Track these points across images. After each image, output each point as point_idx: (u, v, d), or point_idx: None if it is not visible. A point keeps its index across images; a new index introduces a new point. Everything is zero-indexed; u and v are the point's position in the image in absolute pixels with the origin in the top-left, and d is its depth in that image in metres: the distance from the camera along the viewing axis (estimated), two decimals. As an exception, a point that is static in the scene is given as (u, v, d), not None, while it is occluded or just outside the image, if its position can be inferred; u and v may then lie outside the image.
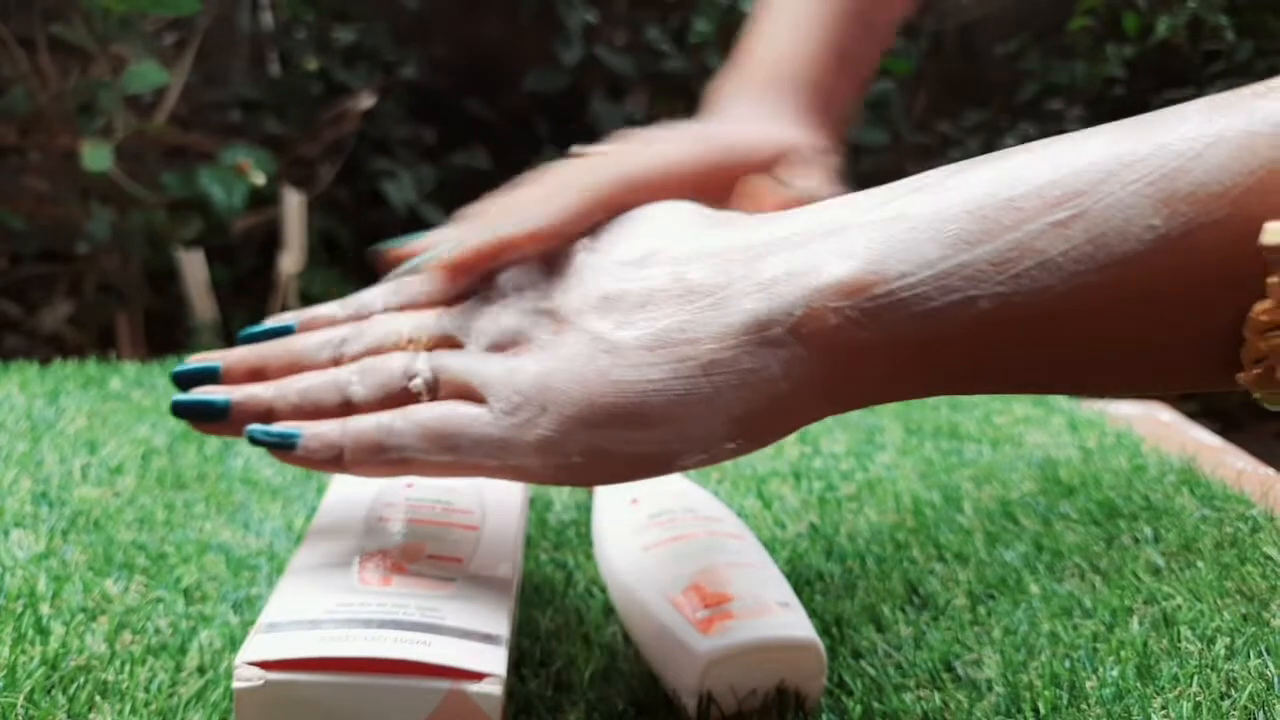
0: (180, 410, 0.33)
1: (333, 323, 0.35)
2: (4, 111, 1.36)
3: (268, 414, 0.33)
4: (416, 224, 1.51)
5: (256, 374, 0.34)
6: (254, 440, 0.32)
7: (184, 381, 0.34)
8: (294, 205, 1.41)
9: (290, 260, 1.42)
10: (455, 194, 1.56)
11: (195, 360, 0.35)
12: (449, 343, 0.32)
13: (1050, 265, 0.24)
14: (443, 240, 0.34)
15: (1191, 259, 0.23)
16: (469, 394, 0.31)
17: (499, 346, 0.31)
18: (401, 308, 0.35)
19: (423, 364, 0.32)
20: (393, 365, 0.32)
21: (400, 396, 0.32)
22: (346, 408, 0.32)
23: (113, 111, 1.27)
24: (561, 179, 0.34)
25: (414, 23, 1.66)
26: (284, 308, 1.43)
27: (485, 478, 0.31)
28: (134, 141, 1.34)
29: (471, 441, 0.30)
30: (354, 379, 0.32)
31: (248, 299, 1.50)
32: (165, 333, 1.43)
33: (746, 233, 0.29)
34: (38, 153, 1.44)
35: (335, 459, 0.31)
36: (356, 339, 0.34)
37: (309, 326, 0.35)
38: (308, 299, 1.44)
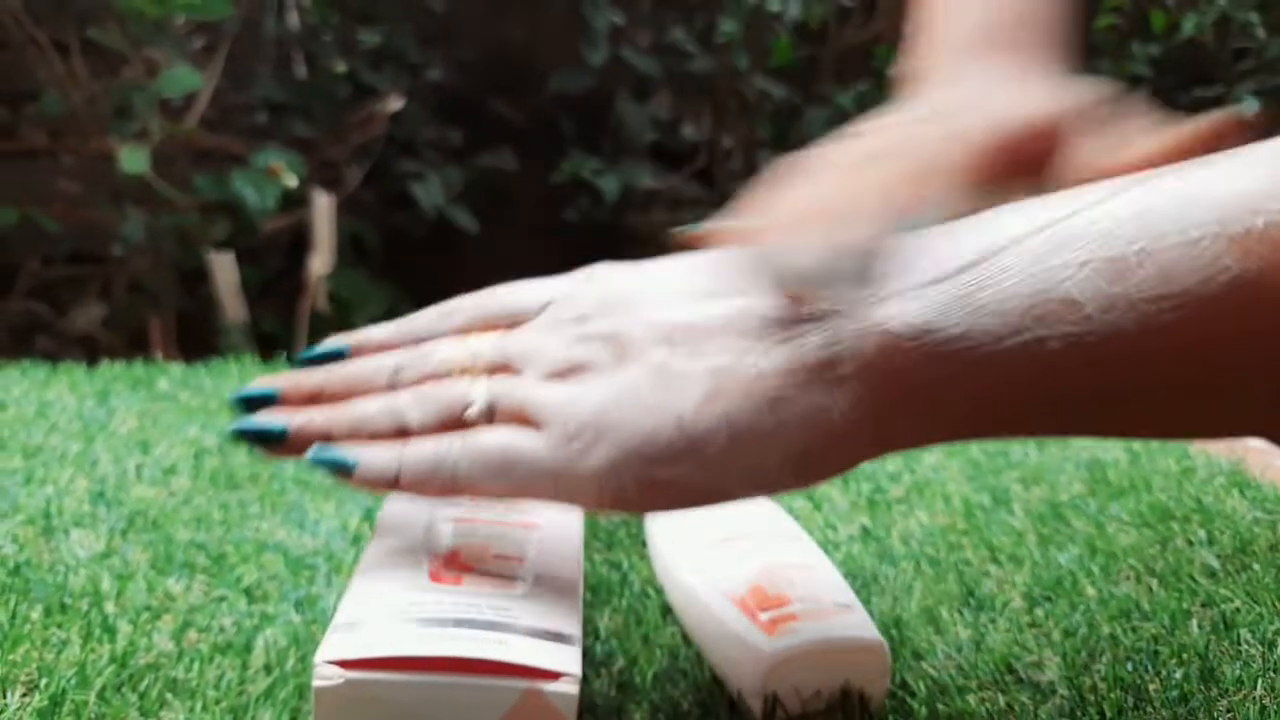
0: (241, 435, 0.34)
1: (385, 346, 0.35)
2: (38, 115, 1.37)
3: (325, 439, 0.33)
4: (445, 226, 1.52)
5: (313, 399, 0.34)
6: (313, 463, 0.32)
7: (243, 406, 0.35)
8: (323, 207, 1.42)
9: (319, 262, 1.42)
10: (483, 195, 1.57)
11: (255, 385, 0.35)
12: (506, 369, 0.32)
13: (1123, 306, 0.24)
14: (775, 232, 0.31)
15: (1266, 298, 0.23)
16: (526, 420, 0.30)
17: (558, 374, 0.30)
18: (457, 331, 0.34)
19: (479, 390, 0.32)
20: (450, 392, 0.32)
21: (457, 423, 0.31)
22: (403, 433, 0.32)
23: (147, 115, 1.28)
24: (875, 177, 0.32)
25: (440, 25, 1.66)
26: (313, 309, 1.44)
27: (539, 503, 0.31)
28: (165, 144, 1.35)
29: (526, 468, 0.30)
30: (411, 405, 0.32)
31: (277, 300, 1.51)
32: (196, 334, 1.44)
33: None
34: (70, 156, 1.45)
35: (391, 483, 0.31)
36: (413, 365, 0.33)
37: (363, 350, 0.35)
38: (336, 300, 1.45)
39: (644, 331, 0.29)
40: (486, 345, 0.33)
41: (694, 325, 0.29)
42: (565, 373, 0.30)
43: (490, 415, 0.31)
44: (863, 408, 0.27)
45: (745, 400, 0.27)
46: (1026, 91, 0.37)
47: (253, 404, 0.35)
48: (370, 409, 0.33)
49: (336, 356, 0.35)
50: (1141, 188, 0.25)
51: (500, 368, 0.32)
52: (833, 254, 0.27)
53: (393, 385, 0.34)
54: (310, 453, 0.32)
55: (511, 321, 0.33)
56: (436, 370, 0.33)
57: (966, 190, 0.32)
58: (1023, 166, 0.34)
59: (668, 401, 0.28)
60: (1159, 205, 0.24)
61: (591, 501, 0.29)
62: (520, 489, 0.30)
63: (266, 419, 0.34)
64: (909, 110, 0.36)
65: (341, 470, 0.32)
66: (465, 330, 0.34)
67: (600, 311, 0.31)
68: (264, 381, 0.35)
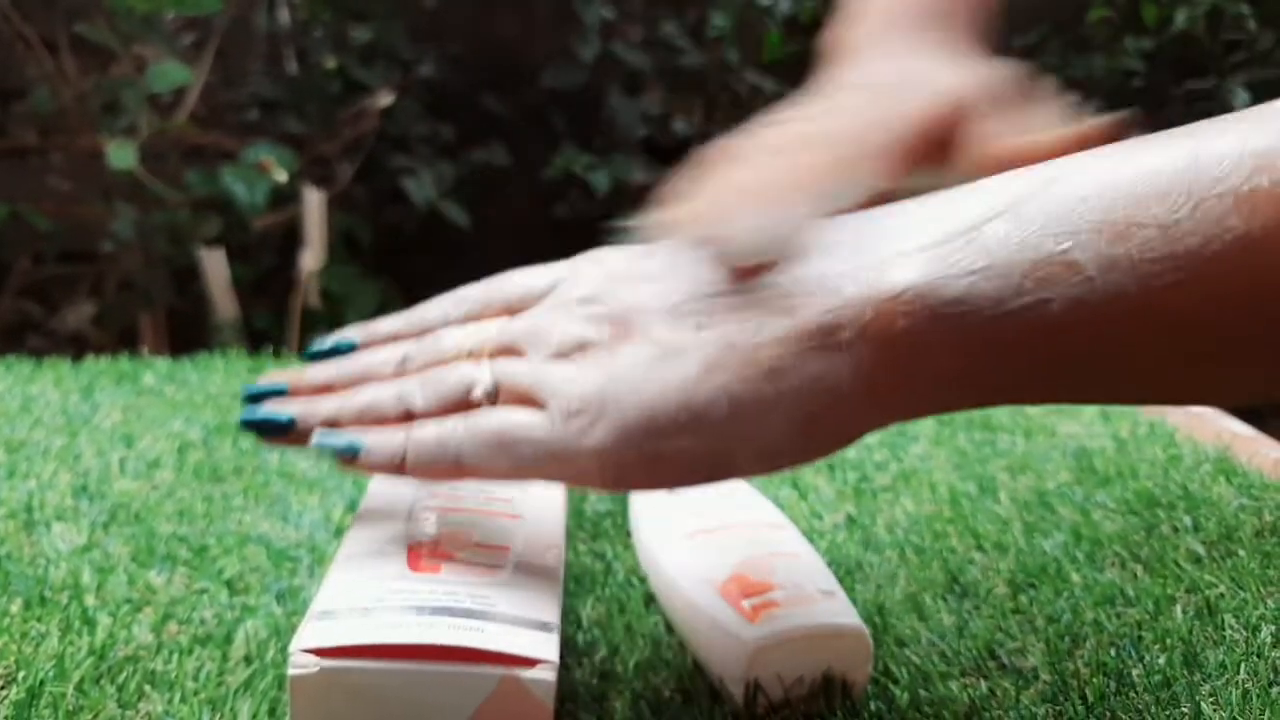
0: (248, 426, 0.34)
1: (395, 337, 0.36)
2: (28, 112, 1.37)
3: (332, 425, 0.33)
4: (436, 221, 1.52)
5: (323, 392, 0.35)
6: (320, 449, 0.33)
7: (254, 400, 0.35)
8: (314, 203, 1.41)
9: (311, 258, 1.42)
10: (474, 190, 1.56)
11: (264, 380, 0.35)
12: (511, 351, 0.32)
13: (1125, 267, 0.24)
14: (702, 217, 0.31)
15: (1272, 258, 0.23)
16: (530, 401, 0.30)
17: (561, 354, 0.30)
18: (464, 319, 0.35)
19: (484, 373, 0.32)
20: (454, 375, 0.32)
21: (461, 405, 0.32)
22: (408, 418, 0.32)
23: (136, 111, 1.28)
24: (802, 162, 0.32)
25: (431, 21, 1.66)
26: (305, 305, 1.43)
27: (544, 482, 0.31)
28: (155, 141, 1.35)
29: (530, 447, 0.30)
30: (416, 389, 0.33)
31: (268, 297, 1.50)
32: (187, 331, 1.44)
33: (815, 237, 0.29)
34: (60, 153, 1.45)
35: (397, 465, 0.32)
36: (419, 353, 0.34)
37: (371, 341, 0.36)
38: (328, 296, 1.45)
39: (645, 309, 0.30)
40: (491, 329, 0.33)
41: (694, 301, 0.29)
42: (568, 352, 0.30)
43: (495, 397, 0.31)
44: (864, 374, 0.27)
45: (744, 370, 0.27)
46: (948, 69, 0.37)
47: (263, 398, 0.35)
48: (376, 395, 0.33)
49: (344, 350, 0.36)
50: (1145, 148, 0.25)
51: (505, 350, 0.32)
52: (760, 232, 0.28)
53: (400, 375, 0.34)
54: (315, 438, 0.33)
55: (518, 306, 0.33)
56: (443, 356, 0.33)
57: (886, 173, 0.32)
58: (939, 145, 0.35)
59: (667, 375, 0.28)
60: (1163, 165, 0.24)
61: (595, 479, 0.29)
62: (524, 468, 0.30)
63: (274, 408, 0.34)
64: (835, 89, 0.36)
65: (348, 454, 0.32)
66: (472, 318, 0.34)
67: (603, 292, 0.31)
68: (273, 376, 0.36)
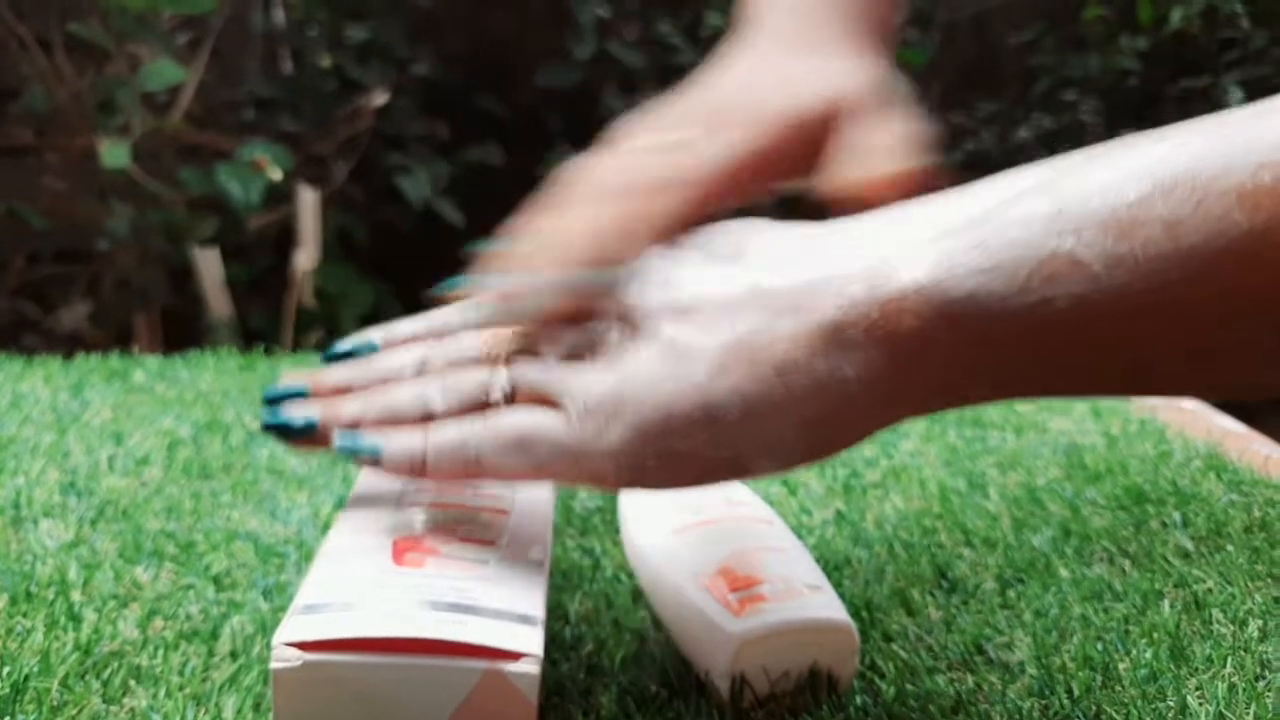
0: (269, 429, 0.34)
1: (413, 339, 0.36)
2: (23, 111, 1.37)
3: (352, 427, 0.33)
4: (432, 220, 1.52)
5: (342, 393, 0.35)
6: (341, 451, 0.33)
7: (274, 402, 0.35)
8: (308, 202, 1.41)
9: (305, 257, 1.42)
10: (469, 189, 1.56)
11: (285, 383, 0.36)
12: (527, 353, 0.32)
13: (1129, 264, 0.24)
14: (511, 287, 0.33)
15: (1277, 254, 0.23)
16: (546, 402, 0.31)
17: (576, 355, 0.31)
18: (481, 324, 0.35)
19: (501, 376, 0.32)
20: (472, 378, 0.33)
21: (480, 407, 0.32)
22: (428, 420, 0.33)
23: (130, 110, 1.28)
24: (630, 210, 0.32)
25: (426, 19, 1.66)
26: (299, 304, 1.43)
27: (560, 483, 0.31)
28: (150, 140, 1.35)
29: (547, 447, 0.30)
30: (435, 392, 0.33)
31: (263, 296, 1.50)
32: (182, 330, 1.44)
33: (823, 237, 0.29)
34: (55, 153, 1.45)
35: (417, 467, 0.32)
36: (438, 356, 0.34)
37: (390, 344, 0.36)
38: (323, 295, 1.45)
39: (657, 309, 0.30)
40: (507, 331, 0.33)
41: (705, 301, 0.29)
42: (583, 353, 0.31)
43: (512, 398, 0.32)
44: (872, 373, 0.27)
45: (755, 370, 0.28)
46: (835, 67, 0.37)
47: (282, 401, 0.35)
48: (396, 397, 0.33)
49: (365, 352, 0.36)
50: (1149, 144, 0.25)
51: (521, 352, 0.33)
52: (553, 291, 0.31)
53: (419, 376, 0.34)
54: (336, 440, 0.33)
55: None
56: (461, 358, 0.34)
57: (702, 206, 0.33)
58: (808, 149, 0.35)
59: (681, 375, 0.28)
60: (1166, 162, 0.24)
61: (610, 478, 0.30)
62: (541, 468, 0.30)
63: (295, 411, 0.34)
64: (695, 93, 0.36)
65: (369, 457, 0.32)
66: (489, 323, 0.34)
67: (614, 293, 0.31)
68: (293, 378, 0.36)
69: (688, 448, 0.28)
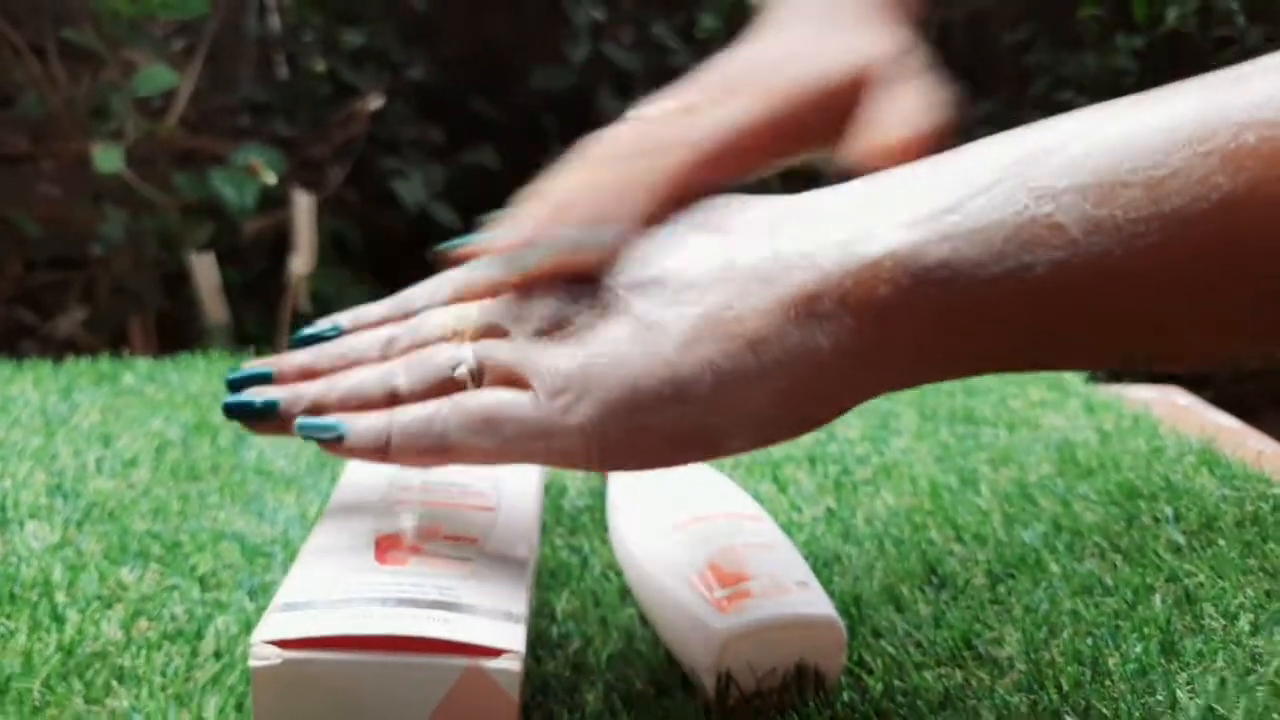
0: (231, 411, 0.34)
1: (381, 322, 0.35)
2: (17, 118, 1.37)
3: (316, 410, 0.33)
4: (427, 224, 1.52)
5: (308, 376, 0.34)
6: (303, 433, 0.32)
7: (237, 385, 0.35)
8: (303, 207, 1.41)
9: (301, 262, 1.42)
10: (465, 192, 1.56)
11: (249, 366, 0.35)
12: (494, 332, 0.32)
13: (1109, 228, 0.24)
14: (509, 241, 0.32)
15: (1258, 214, 0.22)
16: (514, 380, 0.30)
17: (544, 332, 0.30)
18: (448, 302, 0.34)
19: (467, 353, 0.32)
20: (438, 356, 0.32)
21: (446, 386, 0.31)
22: (393, 400, 0.32)
23: (123, 115, 1.28)
24: (629, 171, 0.32)
25: (421, 23, 1.66)
26: (295, 309, 1.43)
27: (529, 464, 0.30)
28: (145, 145, 1.34)
29: (515, 426, 0.29)
30: (399, 371, 0.32)
31: (259, 301, 1.50)
32: (176, 336, 1.43)
33: (795, 207, 0.29)
34: (50, 160, 1.44)
35: (381, 448, 0.31)
36: (404, 335, 0.34)
37: (358, 326, 0.36)
38: (319, 300, 1.44)
39: (625, 286, 0.29)
40: (473, 310, 0.33)
41: (676, 276, 0.29)
42: (551, 330, 0.30)
43: (479, 377, 0.31)
44: (846, 343, 0.26)
45: (726, 343, 0.27)
46: (836, 41, 0.36)
47: (247, 383, 0.35)
48: (360, 379, 0.33)
49: (332, 335, 0.35)
50: (1128, 109, 0.25)
51: (489, 331, 0.32)
52: (559, 246, 0.30)
53: (385, 357, 0.34)
54: (298, 423, 0.32)
55: (500, 288, 0.33)
56: (427, 337, 0.33)
57: (709, 178, 0.32)
58: (833, 118, 0.34)
59: (650, 350, 0.28)
60: (1148, 125, 0.24)
61: (580, 457, 0.29)
62: (509, 448, 0.30)
63: (258, 394, 0.34)
64: (717, 68, 0.36)
65: (331, 439, 0.32)
66: (457, 299, 0.34)
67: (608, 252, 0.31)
68: (257, 362, 0.35)
69: (657, 423, 0.28)
